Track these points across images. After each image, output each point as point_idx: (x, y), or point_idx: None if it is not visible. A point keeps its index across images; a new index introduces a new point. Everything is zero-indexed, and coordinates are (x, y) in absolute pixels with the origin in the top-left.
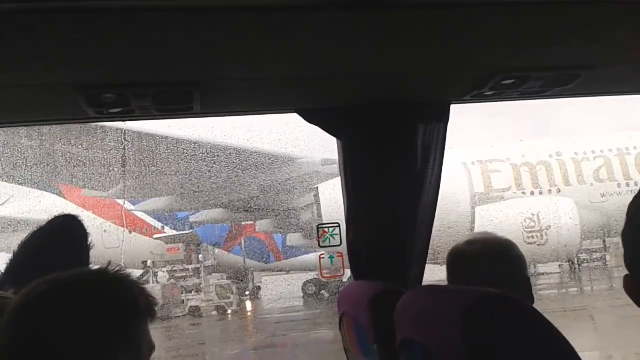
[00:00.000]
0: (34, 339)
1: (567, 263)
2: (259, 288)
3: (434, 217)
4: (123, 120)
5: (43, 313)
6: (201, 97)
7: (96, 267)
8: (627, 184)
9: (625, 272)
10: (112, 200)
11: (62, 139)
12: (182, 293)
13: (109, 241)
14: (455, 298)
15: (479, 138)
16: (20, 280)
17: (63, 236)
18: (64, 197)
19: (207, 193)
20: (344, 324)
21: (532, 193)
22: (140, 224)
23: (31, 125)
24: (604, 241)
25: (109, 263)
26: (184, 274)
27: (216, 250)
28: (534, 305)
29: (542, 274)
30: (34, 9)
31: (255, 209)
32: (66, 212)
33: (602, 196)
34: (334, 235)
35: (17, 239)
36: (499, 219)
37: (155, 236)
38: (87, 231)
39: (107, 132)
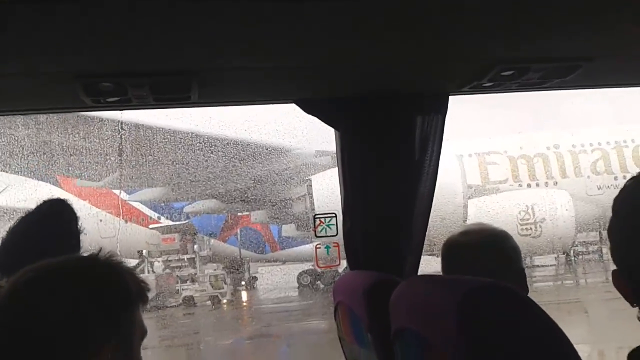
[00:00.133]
0: (23, 327)
1: (564, 255)
2: (255, 278)
3: (430, 208)
4: (120, 110)
5: (31, 300)
6: (199, 87)
7: (87, 253)
8: (625, 177)
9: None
10: (108, 190)
11: (53, 129)
12: (177, 283)
13: (105, 231)
14: (451, 288)
15: (476, 130)
16: (10, 267)
17: (52, 221)
18: (61, 187)
19: (203, 183)
20: (339, 313)
21: (528, 185)
22: (136, 214)
23: (28, 114)
24: (600, 234)
25: (101, 249)
26: (180, 264)
27: (212, 240)
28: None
29: (538, 266)
30: None
31: (249, 200)
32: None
33: (599, 189)
34: (330, 226)
35: None
36: (494, 212)
37: (151, 226)
38: (77, 215)
39: (96, 122)
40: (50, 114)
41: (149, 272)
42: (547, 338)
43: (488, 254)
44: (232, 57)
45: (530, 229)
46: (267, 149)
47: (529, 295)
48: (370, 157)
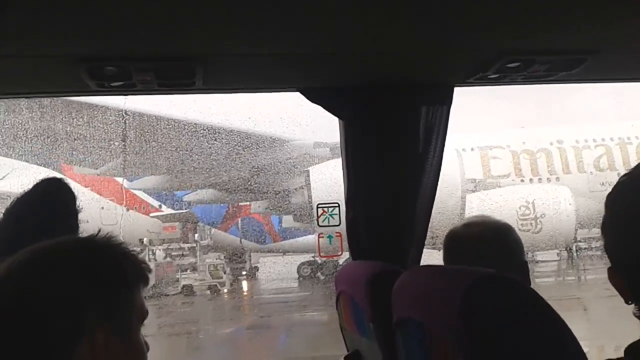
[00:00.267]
0: (17, 309)
1: (566, 251)
2: (256, 269)
3: (434, 200)
4: (125, 95)
5: (25, 282)
6: (204, 73)
7: (85, 235)
8: None
9: None
10: (110, 178)
11: (47, 114)
12: (177, 272)
13: (107, 218)
14: (455, 278)
15: (478, 123)
16: (7, 249)
17: (49, 201)
18: (63, 174)
19: (202, 172)
20: (341, 302)
21: (530, 181)
22: (138, 202)
23: (32, 97)
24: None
25: (99, 231)
26: (180, 253)
27: (213, 230)
28: None
29: (540, 261)
30: None
31: (247, 190)
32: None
33: (602, 185)
34: (333, 215)
35: None
36: (494, 207)
37: (152, 214)
38: (75, 194)
39: (93, 108)
40: (55, 98)
41: (150, 260)
42: (550, 329)
43: (490, 246)
44: (238, 43)
45: (531, 224)
46: (265, 140)
47: None
48: (374, 147)
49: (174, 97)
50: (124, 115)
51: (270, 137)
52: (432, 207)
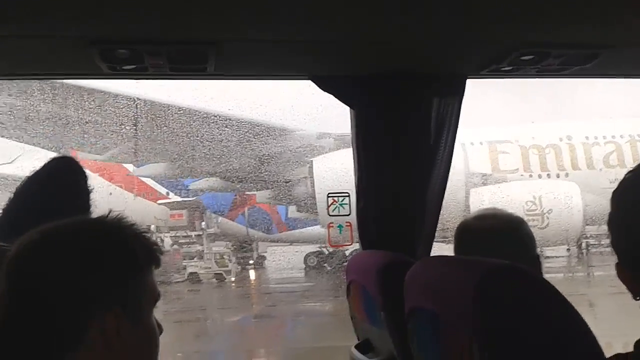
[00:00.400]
0: (27, 290)
1: (576, 247)
2: (263, 258)
3: (444, 191)
4: (136, 79)
5: (36, 263)
6: (216, 58)
7: (96, 215)
8: None
9: None
10: (117, 164)
11: (56, 100)
12: (184, 259)
13: (115, 204)
14: (469, 268)
15: (488, 117)
16: (17, 229)
17: (59, 179)
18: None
19: (208, 160)
20: (352, 291)
21: (539, 176)
22: (145, 189)
23: (43, 79)
24: None
25: (110, 211)
26: (187, 241)
27: (220, 218)
28: None
29: (548, 257)
30: None
31: (252, 179)
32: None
33: (610, 182)
34: (343, 205)
35: None
36: (500, 202)
37: (159, 202)
38: (85, 172)
39: (99, 94)
40: (66, 79)
41: None
42: (565, 320)
43: (503, 239)
44: (250, 28)
45: (537, 220)
46: (268, 130)
47: None
48: (385, 136)
49: (181, 85)
50: (136, 100)
51: (274, 127)
52: (442, 199)
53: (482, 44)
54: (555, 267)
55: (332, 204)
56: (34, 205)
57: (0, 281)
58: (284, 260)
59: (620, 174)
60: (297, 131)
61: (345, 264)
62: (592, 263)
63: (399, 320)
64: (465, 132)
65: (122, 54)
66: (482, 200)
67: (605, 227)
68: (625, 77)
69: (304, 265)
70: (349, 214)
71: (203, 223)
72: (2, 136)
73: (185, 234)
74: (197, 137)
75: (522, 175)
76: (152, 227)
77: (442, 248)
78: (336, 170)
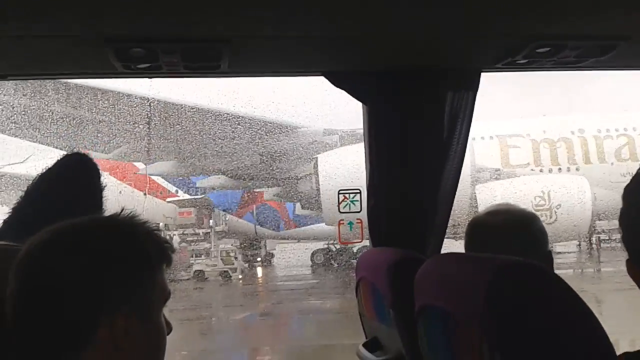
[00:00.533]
0: (38, 288)
1: (586, 242)
2: (271, 255)
3: (456, 187)
4: (150, 77)
5: (47, 262)
6: (230, 56)
7: (109, 213)
8: None
9: None
10: (128, 163)
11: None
12: (191, 257)
13: (125, 202)
14: (482, 265)
15: (498, 111)
16: (29, 228)
17: (71, 177)
18: None
19: (216, 158)
20: (361, 289)
21: (550, 170)
22: (154, 187)
23: (58, 78)
24: None
25: (122, 209)
26: (195, 238)
27: (228, 216)
28: None
29: (558, 252)
30: None
31: (258, 177)
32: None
33: (623, 176)
34: (354, 202)
35: None
36: (509, 197)
37: (168, 200)
38: (99, 169)
39: (105, 94)
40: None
41: None
42: (577, 316)
43: (515, 235)
44: (264, 25)
45: (545, 215)
46: (274, 127)
47: None
48: (398, 132)
49: (194, 85)
50: (148, 100)
51: (280, 124)
52: (454, 195)
53: (498, 37)
54: (565, 262)
55: (342, 200)
56: (45, 204)
57: (10, 280)
58: (293, 258)
59: (632, 167)
60: (302, 127)
61: (354, 261)
62: (602, 259)
63: (409, 318)
64: (476, 126)
65: (137, 53)
66: (494, 195)
67: (615, 222)
68: None
69: (310, 263)
70: (360, 211)
71: (211, 221)
72: (16, 136)
73: (193, 232)
74: (210, 134)
75: (532, 169)
76: (161, 225)
77: (453, 244)
78: (342, 167)
